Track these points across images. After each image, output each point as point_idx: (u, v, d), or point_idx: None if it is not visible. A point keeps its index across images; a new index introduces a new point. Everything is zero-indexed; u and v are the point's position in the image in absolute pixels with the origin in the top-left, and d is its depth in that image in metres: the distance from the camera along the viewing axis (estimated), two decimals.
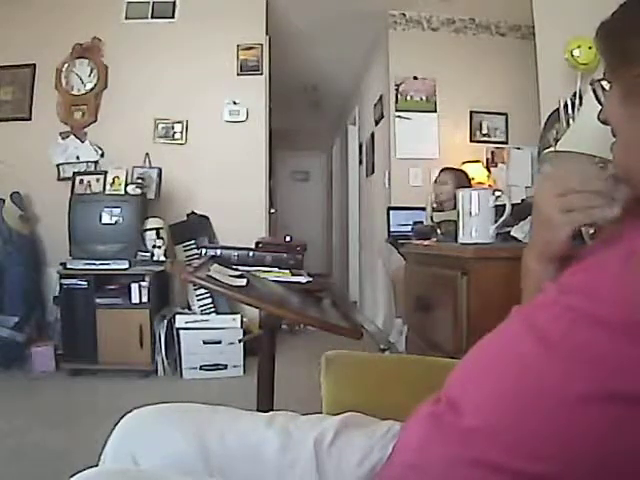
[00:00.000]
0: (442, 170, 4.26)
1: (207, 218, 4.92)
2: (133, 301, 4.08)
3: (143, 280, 4.09)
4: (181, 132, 4.87)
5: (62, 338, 4.11)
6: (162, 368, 4.18)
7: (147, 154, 4.78)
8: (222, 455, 0.94)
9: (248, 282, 1.82)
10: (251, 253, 2.18)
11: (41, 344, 4.18)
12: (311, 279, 2.22)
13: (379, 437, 0.98)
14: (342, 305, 2.00)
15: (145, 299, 4.09)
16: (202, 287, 1.60)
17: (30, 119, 4.71)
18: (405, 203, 5.05)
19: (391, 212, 5.05)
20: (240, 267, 2.14)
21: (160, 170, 4.77)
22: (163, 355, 4.16)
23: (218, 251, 2.20)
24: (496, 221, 1.80)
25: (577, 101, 2.06)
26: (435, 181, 4.27)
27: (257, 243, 2.20)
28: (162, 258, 4.25)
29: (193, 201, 4.88)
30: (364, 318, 6.37)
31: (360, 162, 7.05)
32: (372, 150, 6.20)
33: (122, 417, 1.01)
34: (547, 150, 1.88)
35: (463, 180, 4.08)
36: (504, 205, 1.79)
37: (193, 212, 4.88)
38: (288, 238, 2.28)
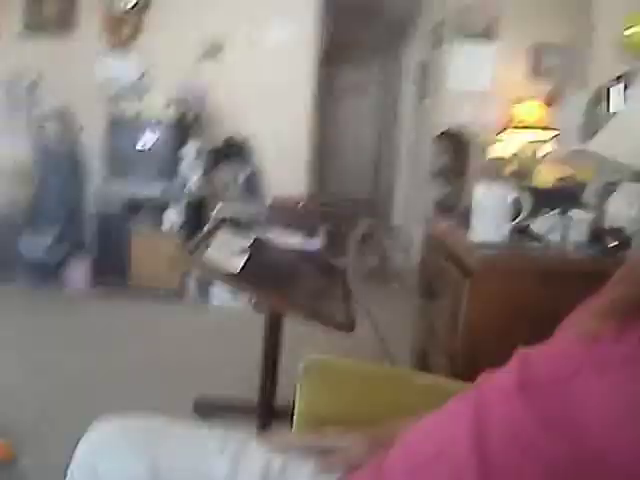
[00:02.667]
0: (438, 135, 4.08)
1: (247, 143, 4.85)
2: (165, 227, 4.14)
3: (176, 206, 4.11)
4: (225, 52, 4.73)
5: (97, 259, 4.21)
6: (191, 293, 4.25)
7: (190, 74, 4.66)
8: None
9: (250, 258, 1.79)
10: (262, 216, 2.13)
11: (76, 263, 4.29)
12: (325, 243, 2.18)
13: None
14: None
15: (178, 225, 4.12)
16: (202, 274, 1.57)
17: (74, 34, 4.63)
18: None
19: None
20: (251, 230, 2.12)
21: (202, 91, 4.67)
22: (193, 280, 4.22)
23: (229, 213, 2.16)
24: (514, 217, 1.69)
25: (621, 86, 1.86)
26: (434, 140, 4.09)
27: (270, 206, 2.15)
28: (196, 185, 4.23)
29: (234, 124, 4.79)
30: (403, 242, 6.24)
31: (414, 84, 6.77)
32: (425, 75, 5.92)
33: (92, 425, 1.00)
34: (576, 149, 1.74)
35: (459, 146, 3.89)
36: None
37: (232, 136, 4.80)
38: (300, 202, 2.22)
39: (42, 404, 2.52)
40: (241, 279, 1.60)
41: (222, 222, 2.13)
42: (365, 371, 1.47)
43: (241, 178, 4.75)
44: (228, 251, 1.81)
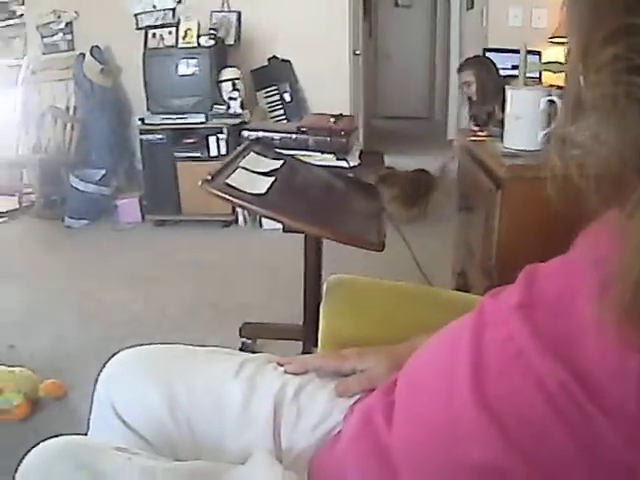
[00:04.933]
0: (462, 64, 3.88)
1: (289, 62, 4.75)
2: (212, 154, 4.15)
3: (221, 132, 4.10)
4: None
5: (146, 191, 4.28)
6: (242, 218, 4.28)
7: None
8: (189, 408, 0.95)
9: (278, 179, 1.75)
10: (294, 136, 2.08)
11: (127, 196, 4.38)
12: (358, 163, 2.12)
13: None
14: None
15: (224, 151, 4.12)
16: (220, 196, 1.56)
17: None
18: (503, 45, 4.61)
19: (487, 54, 4.65)
20: (283, 151, 2.08)
21: (239, 14, 4.57)
22: None
23: (260, 134, 2.11)
24: (549, 124, 1.59)
25: None
26: (458, 70, 3.90)
27: (299, 127, 2.09)
28: (239, 110, 4.19)
29: (274, 44, 4.70)
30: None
31: None
32: None
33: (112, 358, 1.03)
34: None
35: (487, 71, 3.69)
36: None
37: (274, 56, 4.71)
38: (333, 120, 2.14)
39: (92, 339, 2.61)
40: (265, 202, 1.57)
41: (253, 142, 2.10)
42: (389, 289, 1.44)
43: (287, 97, 4.68)
44: (255, 173, 1.79)
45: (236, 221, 4.32)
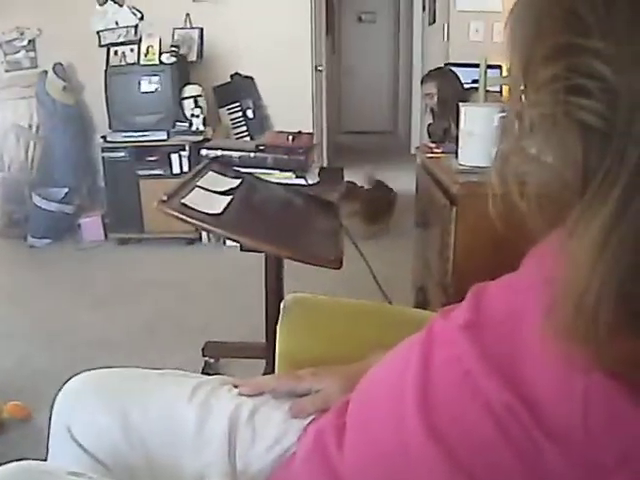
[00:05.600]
0: (425, 76, 3.96)
1: (252, 79, 4.76)
2: (174, 171, 4.13)
3: (183, 150, 4.09)
4: None
5: (109, 209, 4.24)
6: (206, 236, 4.26)
7: (187, 14, 4.56)
8: (143, 431, 0.94)
9: (231, 201, 1.75)
10: (252, 154, 2.08)
11: (90, 215, 4.33)
12: (317, 181, 2.13)
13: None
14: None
15: (186, 168, 4.09)
16: (176, 216, 1.55)
17: None
18: (464, 59, 4.67)
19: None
20: (242, 169, 2.08)
21: (202, 30, 4.57)
22: None
23: (219, 152, 2.11)
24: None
25: None
26: (422, 82, 3.98)
27: (258, 145, 2.09)
28: (201, 127, 4.18)
29: (237, 61, 4.71)
30: None
31: (423, 8, 6.53)
32: None
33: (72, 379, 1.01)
34: None
35: (448, 84, 3.75)
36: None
37: (237, 73, 4.72)
38: (291, 137, 2.15)
39: (55, 360, 2.56)
40: (222, 222, 1.56)
41: (212, 161, 2.09)
42: (347, 307, 1.44)
43: (249, 114, 4.68)
44: (212, 193, 1.78)
45: (199, 239, 4.30)
